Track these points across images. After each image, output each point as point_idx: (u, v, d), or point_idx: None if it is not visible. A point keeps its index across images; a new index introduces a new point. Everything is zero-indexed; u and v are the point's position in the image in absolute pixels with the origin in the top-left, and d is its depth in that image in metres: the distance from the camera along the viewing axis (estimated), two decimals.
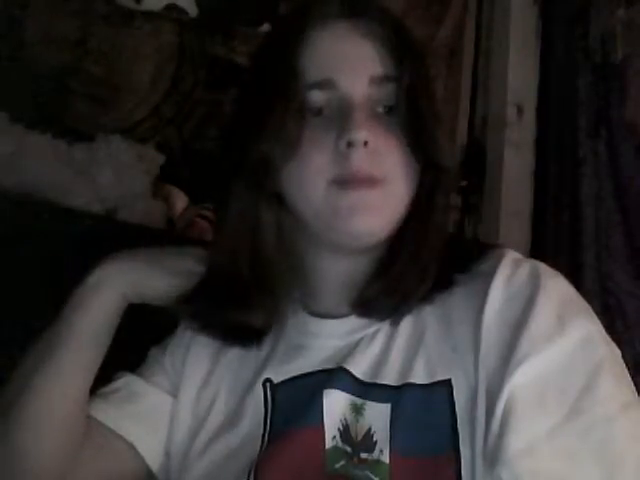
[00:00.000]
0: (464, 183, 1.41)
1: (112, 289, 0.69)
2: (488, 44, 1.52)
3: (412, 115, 0.64)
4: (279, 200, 0.66)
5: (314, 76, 0.64)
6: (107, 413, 0.70)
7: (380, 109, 0.65)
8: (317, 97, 0.64)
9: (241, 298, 0.67)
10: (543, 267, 0.62)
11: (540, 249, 1.38)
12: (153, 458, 0.71)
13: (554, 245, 1.38)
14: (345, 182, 0.62)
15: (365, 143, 0.61)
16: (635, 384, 0.57)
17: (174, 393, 0.73)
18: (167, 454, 0.71)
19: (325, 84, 0.64)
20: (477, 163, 1.43)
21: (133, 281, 0.70)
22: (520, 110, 1.45)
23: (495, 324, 0.59)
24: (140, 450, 0.70)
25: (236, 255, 0.67)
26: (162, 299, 0.71)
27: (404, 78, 0.64)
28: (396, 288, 0.64)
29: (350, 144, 0.61)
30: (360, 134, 0.61)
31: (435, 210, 0.67)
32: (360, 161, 0.62)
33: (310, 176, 0.63)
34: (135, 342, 0.75)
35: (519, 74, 1.47)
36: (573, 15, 1.42)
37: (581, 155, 1.34)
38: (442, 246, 0.66)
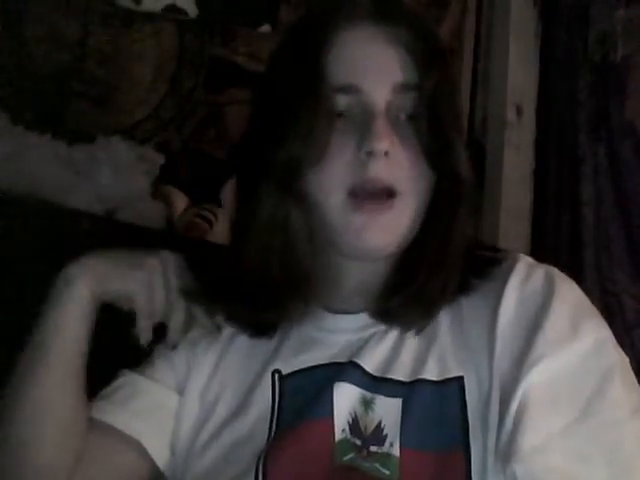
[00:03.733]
0: None
1: (81, 285, 0.68)
2: (488, 44, 1.52)
3: (432, 124, 0.64)
4: (308, 201, 0.67)
5: (339, 80, 0.64)
6: (111, 413, 0.70)
7: (402, 116, 0.65)
8: (340, 101, 0.64)
9: (271, 297, 0.68)
10: (557, 272, 0.63)
11: (540, 249, 1.38)
12: (160, 455, 0.71)
13: (554, 245, 1.38)
14: (361, 197, 0.63)
15: (385, 153, 0.62)
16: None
17: (180, 389, 0.73)
18: (172, 450, 0.71)
19: (349, 89, 0.64)
20: (477, 163, 1.42)
21: (99, 277, 0.69)
22: (520, 110, 1.45)
23: (510, 324, 0.60)
24: (147, 447, 0.70)
25: (267, 255, 0.68)
26: (128, 296, 0.70)
27: (427, 86, 0.65)
28: (419, 299, 0.65)
29: (370, 154, 0.62)
30: (381, 144, 0.62)
31: (456, 221, 0.67)
32: (378, 172, 0.63)
33: (330, 185, 0.64)
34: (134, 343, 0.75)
35: (519, 74, 1.47)
36: (573, 15, 1.42)
37: (581, 155, 1.34)
38: (463, 257, 0.66)
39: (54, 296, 0.69)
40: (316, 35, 0.66)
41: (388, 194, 0.63)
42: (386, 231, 0.64)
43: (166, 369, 0.74)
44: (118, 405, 0.71)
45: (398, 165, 0.63)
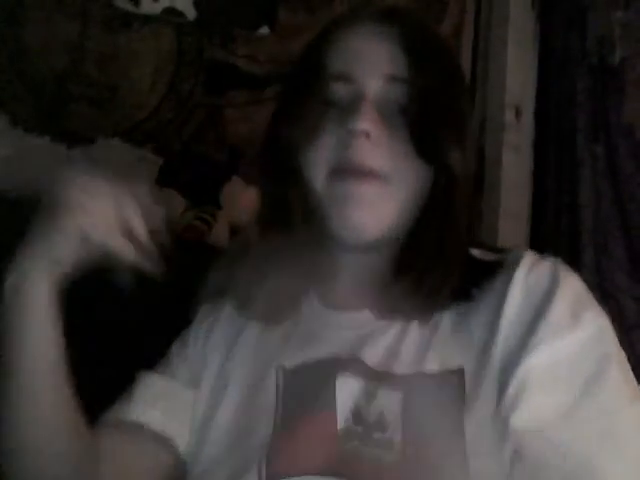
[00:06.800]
0: None
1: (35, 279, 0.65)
2: (486, 46, 1.52)
3: (421, 117, 0.66)
4: (302, 180, 0.70)
5: (335, 69, 0.69)
6: (144, 414, 0.71)
7: (393, 108, 0.68)
8: (335, 89, 0.69)
9: (272, 276, 0.70)
10: (562, 265, 0.66)
11: (539, 251, 1.37)
12: (186, 450, 0.72)
13: (553, 247, 1.38)
14: (342, 172, 0.66)
15: (367, 135, 0.64)
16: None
17: (196, 384, 0.74)
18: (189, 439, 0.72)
19: (343, 77, 0.69)
20: (476, 165, 1.43)
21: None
22: (518, 112, 1.46)
23: (515, 315, 0.62)
24: (179, 444, 0.71)
25: (268, 235, 0.72)
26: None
27: (417, 81, 0.67)
28: (419, 289, 0.65)
29: (350, 132, 0.65)
30: (362, 124, 0.65)
31: (451, 215, 0.68)
32: (359, 151, 0.65)
33: (315, 163, 0.68)
34: (148, 341, 0.76)
35: (517, 76, 1.47)
36: (571, 17, 1.42)
37: (579, 157, 1.35)
38: (462, 252, 0.68)
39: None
40: (324, 34, 0.73)
41: (372, 176, 0.66)
42: (369, 206, 0.66)
43: (183, 366, 0.76)
44: (148, 405, 0.72)
45: (382, 150, 0.66)
